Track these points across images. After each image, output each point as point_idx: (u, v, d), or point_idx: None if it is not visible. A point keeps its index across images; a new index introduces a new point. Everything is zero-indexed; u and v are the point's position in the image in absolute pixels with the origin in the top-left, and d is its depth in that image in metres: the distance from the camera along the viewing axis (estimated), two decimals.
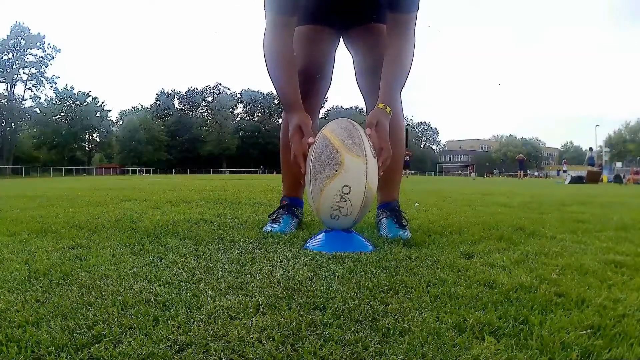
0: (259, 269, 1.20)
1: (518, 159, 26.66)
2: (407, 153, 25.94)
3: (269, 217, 2.03)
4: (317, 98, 2.03)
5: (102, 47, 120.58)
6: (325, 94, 2.07)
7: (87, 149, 57.84)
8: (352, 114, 62.28)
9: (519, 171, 25.63)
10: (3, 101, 46.98)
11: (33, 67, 49.06)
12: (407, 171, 24.36)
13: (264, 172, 48.93)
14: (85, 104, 53.17)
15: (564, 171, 23.24)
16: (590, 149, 23.09)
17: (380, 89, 1.74)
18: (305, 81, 1.90)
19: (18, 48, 47.96)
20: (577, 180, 14.72)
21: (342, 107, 73.21)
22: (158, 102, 67.80)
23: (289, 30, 1.73)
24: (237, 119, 71.06)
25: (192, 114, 68.84)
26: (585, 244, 1.71)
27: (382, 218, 1.92)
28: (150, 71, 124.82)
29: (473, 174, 25.59)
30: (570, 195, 5.39)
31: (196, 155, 61.64)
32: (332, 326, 0.80)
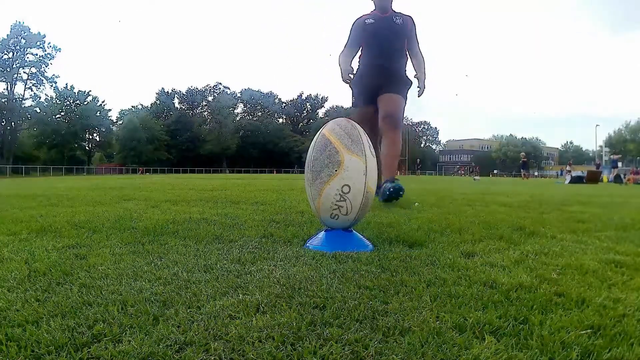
0: (259, 268, 1.20)
1: (522, 159, 26.04)
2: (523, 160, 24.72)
3: None
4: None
5: (102, 47, 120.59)
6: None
7: (87, 148, 57.77)
8: (352, 113, 61.99)
9: (522, 171, 25.15)
10: (3, 100, 46.89)
11: (33, 66, 48.98)
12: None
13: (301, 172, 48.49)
14: (85, 103, 53.09)
15: (568, 171, 23.31)
16: (615, 152, 23.65)
17: None
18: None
19: (18, 47, 47.89)
20: (577, 180, 14.73)
21: (342, 107, 73.24)
22: (158, 102, 67.72)
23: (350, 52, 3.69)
24: (237, 119, 70.94)
25: (192, 114, 68.76)
26: (585, 243, 1.71)
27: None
28: (150, 71, 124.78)
29: (477, 177, 24.80)
30: (570, 195, 5.39)
31: (196, 154, 61.56)
32: (332, 326, 0.80)
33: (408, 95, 3.61)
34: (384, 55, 3.57)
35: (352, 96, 3.85)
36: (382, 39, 3.58)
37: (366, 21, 3.65)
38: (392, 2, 3.68)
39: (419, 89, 3.59)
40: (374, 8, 3.70)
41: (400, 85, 3.56)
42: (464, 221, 2.28)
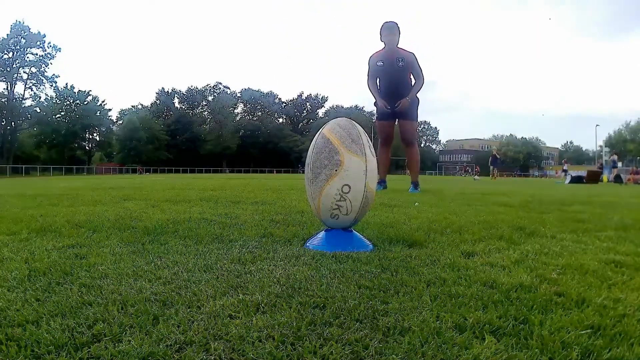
0: (259, 268, 1.20)
1: (493, 154, 21.62)
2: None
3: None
4: None
5: (103, 46, 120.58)
6: None
7: (87, 148, 57.79)
8: (352, 113, 62.13)
9: (491, 167, 21.37)
10: (3, 100, 46.85)
11: (33, 66, 48.93)
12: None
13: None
14: (85, 103, 53.07)
15: (564, 170, 22.69)
16: (615, 153, 24.12)
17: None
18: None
19: (18, 47, 47.85)
20: (577, 180, 14.72)
21: (342, 107, 73.15)
22: (158, 101, 67.70)
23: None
24: (237, 119, 70.90)
25: (192, 113, 68.69)
26: (585, 243, 1.71)
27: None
28: (151, 70, 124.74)
29: (477, 176, 23.84)
30: (570, 195, 5.39)
31: (196, 154, 61.53)
32: (332, 325, 0.80)
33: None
34: (392, 88, 5.03)
35: (377, 112, 5.31)
36: (390, 77, 5.05)
37: (377, 63, 5.04)
38: (398, 43, 4.98)
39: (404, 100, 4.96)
40: (384, 46, 5.01)
41: (412, 110, 5.09)
42: (464, 221, 2.28)
